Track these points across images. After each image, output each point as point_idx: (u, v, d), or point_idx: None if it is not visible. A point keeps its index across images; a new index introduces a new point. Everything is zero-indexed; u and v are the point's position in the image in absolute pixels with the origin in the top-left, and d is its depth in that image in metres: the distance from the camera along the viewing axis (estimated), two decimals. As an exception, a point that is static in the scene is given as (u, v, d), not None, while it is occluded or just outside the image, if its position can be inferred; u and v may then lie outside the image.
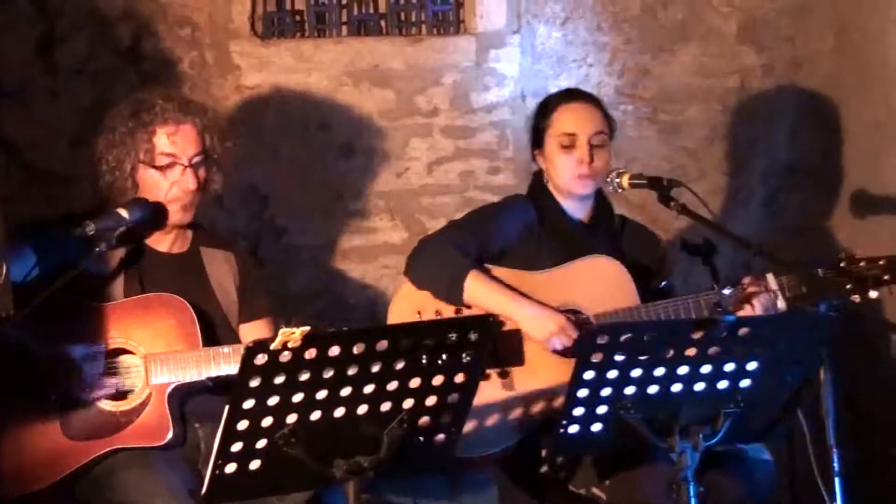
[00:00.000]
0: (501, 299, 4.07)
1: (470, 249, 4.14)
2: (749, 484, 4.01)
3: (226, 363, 3.81)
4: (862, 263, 4.06)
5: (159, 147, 3.96)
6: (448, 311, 4.12)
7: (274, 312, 4.18)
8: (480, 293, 4.08)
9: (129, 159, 3.96)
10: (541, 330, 4.04)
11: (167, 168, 3.96)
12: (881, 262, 4.06)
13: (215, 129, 4.06)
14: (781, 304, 4.04)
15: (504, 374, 4.06)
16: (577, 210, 4.33)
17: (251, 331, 4.07)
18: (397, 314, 4.16)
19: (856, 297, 4.00)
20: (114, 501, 3.72)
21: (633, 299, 4.12)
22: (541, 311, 4.06)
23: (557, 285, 4.14)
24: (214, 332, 3.99)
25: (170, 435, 3.81)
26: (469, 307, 4.09)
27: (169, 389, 3.83)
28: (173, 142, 3.97)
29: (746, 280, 4.08)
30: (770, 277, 4.07)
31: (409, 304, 4.14)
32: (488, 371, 4.00)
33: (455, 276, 4.07)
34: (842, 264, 4.07)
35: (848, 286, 4.02)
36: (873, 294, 4.02)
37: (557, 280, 4.16)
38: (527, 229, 4.26)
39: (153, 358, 3.84)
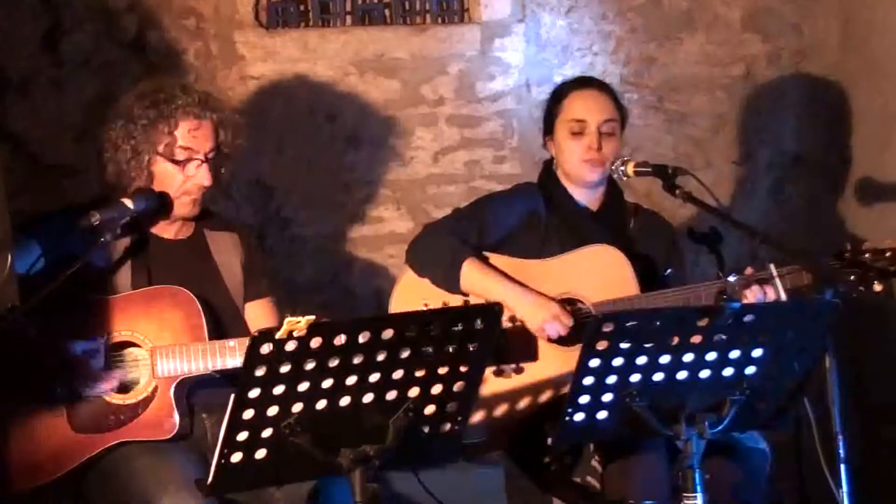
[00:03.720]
0: (496, 287, 4.08)
1: (469, 237, 4.16)
2: (744, 471, 4.02)
3: (231, 357, 3.80)
4: (867, 255, 4.06)
5: (179, 140, 3.93)
6: (455, 301, 4.12)
7: (274, 293, 4.19)
8: (476, 280, 4.09)
9: (147, 151, 3.93)
10: (534, 318, 4.05)
11: (184, 162, 3.94)
12: (887, 254, 4.06)
13: (230, 124, 4.03)
14: (782, 294, 4.04)
15: (519, 370, 4.07)
16: (587, 198, 4.34)
17: (256, 309, 4.10)
18: (400, 303, 4.17)
19: (861, 289, 4.00)
20: (127, 492, 3.71)
21: (633, 288, 4.12)
22: (535, 299, 4.07)
23: (557, 274, 4.15)
24: (221, 322, 3.98)
25: (176, 428, 3.82)
26: (466, 295, 4.10)
27: (175, 382, 3.83)
28: (193, 136, 3.94)
29: (748, 270, 4.08)
30: (772, 267, 4.06)
31: (412, 293, 4.16)
32: (503, 367, 4.03)
33: (452, 264, 4.09)
34: (846, 255, 4.08)
35: (852, 277, 4.02)
36: (877, 287, 4.02)
37: (558, 268, 4.16)
38: (530, 216, 4.26)
39: (159, 350, 3.83)
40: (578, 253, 4.19)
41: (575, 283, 4.13)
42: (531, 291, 4.09)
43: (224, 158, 4.05)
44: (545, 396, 4.04)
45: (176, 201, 3.98)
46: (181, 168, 3.94)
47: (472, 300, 4.10)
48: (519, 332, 4.08)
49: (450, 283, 4.11)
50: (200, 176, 3.95)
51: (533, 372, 4.08)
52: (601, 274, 4.15)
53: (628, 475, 3.86)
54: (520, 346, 4.08)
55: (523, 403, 4.05)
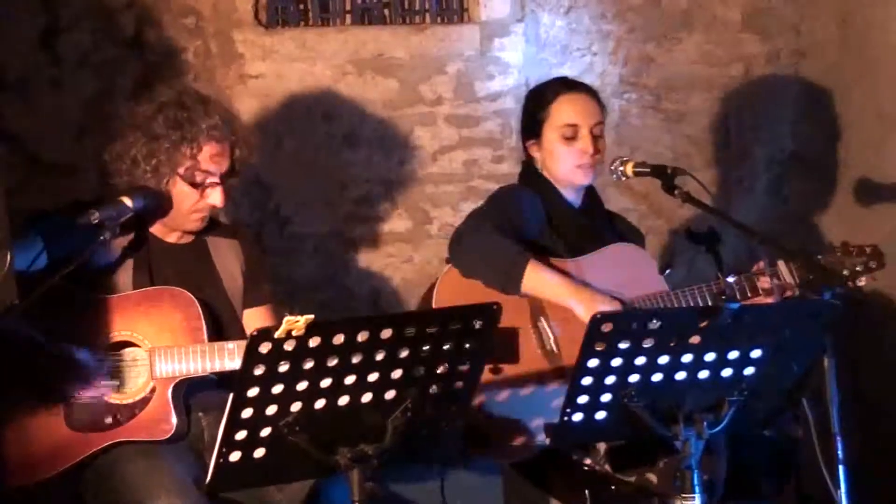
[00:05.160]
0: (561, 287, 4.03)
1: (510, 236, 4.08)
2: (775, 463, 4.02)
3: (230, 359, 3.79)
4: (853, 251, 4.12)
5: (201, 164, 3.91)
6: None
7: (276, 300, 4.18)
8: (540, 282, 4.02)
9: (168, 172, 3.90)
10: None
11: (202, 185, 3.93)
12: (867, 251, 4.13)
13: (245, 143, 4.01)
14: (796, 291, 4.05)
15: (496, 371, 4.03)
16: (574, 199, 4.34)
17: (254, 316, 4.09)
18: (444, 303, 4.06)
19: (850, 284, 4.04)
20: (119, 493, 3.71)
21: (662, 285, 4.12)
22: (600, 298, 4.01)
23: (591, 272, 4.12)
24: (221, 325, 3.98)
25: (173, 429, 3.80)
26: (523, 295, 4.03)
27: (173, 383, 3.83)
28: (215, 161, 3.93)
29: (760, 264, 4.08)
30: (782, 264, 4.07)
31: (455, 293, 4.04)
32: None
33: (514, 266, 4.00)
34: (838, 252, 4.13)
35: (846, 272, 4.06)
36: (862, 282, 4.07)
37: (590, 267, 4.14)
38: (541, 217, 4.25)
39: (158, 351, 3.83)
40: (606, 251, 4.19)
41: (609, 281, 4.11)
42: (595, 291, 4.04)
43: (234, 175, 4.04)
44: None
45: (184, 218, 3.98)
46: (199, 190, 3.93)
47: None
48: (501, 333, 4.03)
49: (510, 283, 4.00)
50: (214, 197, 3.94)
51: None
52: (630, 271, 4.14)
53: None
54: (503, 347, 4.05)
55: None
